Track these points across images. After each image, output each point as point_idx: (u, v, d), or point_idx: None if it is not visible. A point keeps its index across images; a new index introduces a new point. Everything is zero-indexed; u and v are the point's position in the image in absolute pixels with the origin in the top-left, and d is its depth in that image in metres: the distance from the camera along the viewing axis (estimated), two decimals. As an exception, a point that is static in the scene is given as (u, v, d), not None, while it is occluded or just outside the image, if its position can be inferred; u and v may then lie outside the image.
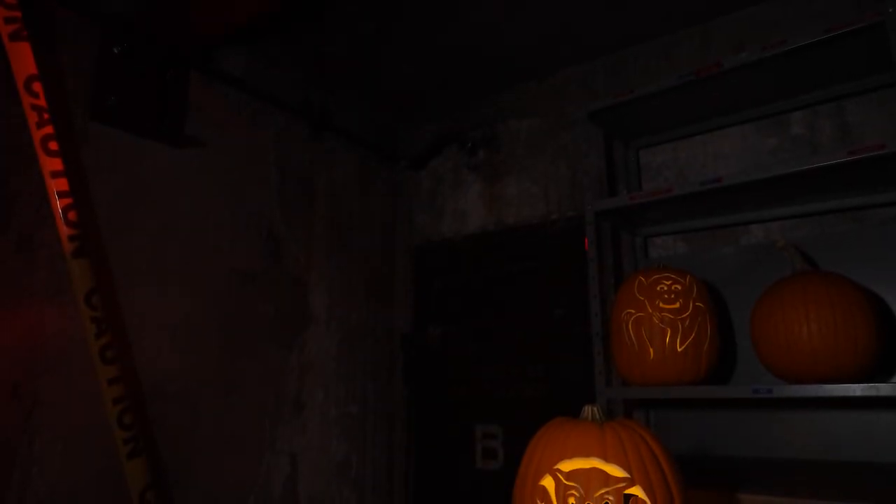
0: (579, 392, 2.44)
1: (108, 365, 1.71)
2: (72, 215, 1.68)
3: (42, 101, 1.65)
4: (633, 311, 1.84)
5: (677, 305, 1.80)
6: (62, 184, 1.67)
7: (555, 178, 2.72)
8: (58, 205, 1.66)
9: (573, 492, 1.03)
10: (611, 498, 1.02)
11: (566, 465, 1.07)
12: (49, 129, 1.65)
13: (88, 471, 1.74)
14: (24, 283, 1.68)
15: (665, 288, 1.83)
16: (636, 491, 1.03)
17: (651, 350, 1.79)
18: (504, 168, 2.91)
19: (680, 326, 1.77)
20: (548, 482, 1.07)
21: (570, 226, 2.64)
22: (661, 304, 1.81)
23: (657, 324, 1.79)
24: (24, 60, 1.63)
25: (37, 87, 1.65)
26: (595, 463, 1.05)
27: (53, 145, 1.66)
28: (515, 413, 2.63)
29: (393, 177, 3.22)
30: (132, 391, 1.81)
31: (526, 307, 2.70)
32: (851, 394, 1.49)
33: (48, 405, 1.69)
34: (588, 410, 1.19)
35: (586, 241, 2.08)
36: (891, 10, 1.57)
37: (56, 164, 1.66)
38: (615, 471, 1.04)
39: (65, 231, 1.67)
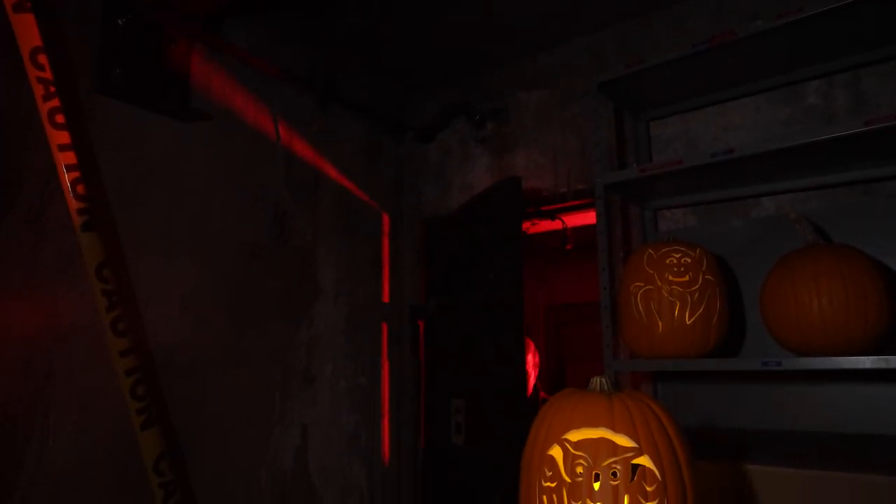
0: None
1: (120, 337, 1.72)
2: (80, 189, 1.68)
3: (48, 74, 1.64)
4: (641, 283, 1.83)
5: (687, 278, 1.79)
6: (70, 157, 1.67)
7: (564, 151, 2.70)
8: (66, 178, 1.66)
9: (581, 461, 1.04)
10: (619, 467, 1.02)
11: (574, 435, 1.07)
12: (55, 102, 1.65)
13: (102, 440, 1.77)
14: (35, 257, 1.69)
15: (674, 261, 1.82)
16: (644, 461, 1.03)
17: (660, 323, 1.79)
18: (512, 140, 2.88)
19: (689, 299, 1.76)
20: (556, 451, 1.08)
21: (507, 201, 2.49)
22: (670, 277, 1.80)
23: (666, 297, 1.78)
24: (28, 32, 1.62)
25: (42, 59, 1.63)
26: (603, 433, 1.05)
27: (60, 118, 1.65)
28: (478, 388, 2.56)
29: (400, 150, 3.20)
30: (143, 363, 1.83)
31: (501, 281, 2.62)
32: (861, 366, 1.49)
33: (62, 376, 1.71)
34: (596, 381, 1.19)
35: (595, 214, 2.06)
36: (912, -25, 1.53)
37: (63, 137, 1.66)
38: (623, 441, 1.04)
39: (74, 205, 1.67)
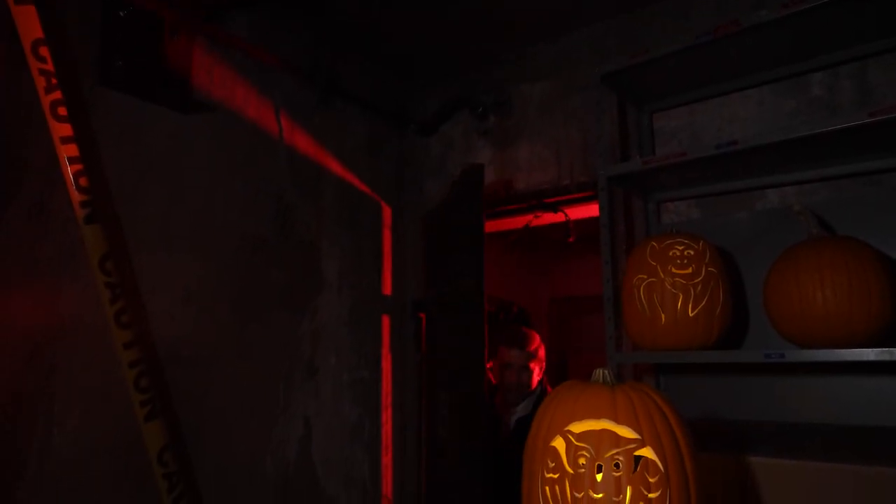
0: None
1: (124, 329, 1.73)
2: (83, 181, 1.68)
3: (49, 66, 1.64)
4: (644, 276, 1.83)
5: (690, 270, 1.78)
6: (72, 150, 1.67)
7: (566, 143, 2.69)
8: (69, 171, 1.66)
9: (584, 452, 1.04)
10: (621, 459, 1.02)
11: (577, 427, 1.07)
12: (57, 95, 1.64)
13: (106, 432, 1.78)
14: (37, 252, 1.69)
15: (678, 253, 1.81)
16: (646, 452, 1.03)
17: (662, 315, 1.78)
18: (515, 133, 2.87)
19: (692, 291, 1.76)
20: (559, 443, 1.08)
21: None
22: (673, 270, 1.79)
23: (669, 289, 1.77)
24: (30, 24, 1.62)
25: (43, 51, 1.63)
26: (606, 424, 1.05)
27: (62, 111, 1.65)
28: (457, 381, 2.58)
29: (402, 143, 3.19)
30: (147, 356, 1.83)
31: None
32: (865, 358, 1.49)
33: (65, 370, 1.72)
34: (599, 373, 1.19)
35: (598, 206, 2.06)
36: (919, -36, 1.51)
37: (66, 129, 1.66)
38: (626, 432, 1.04)
39: (77, 197, 1.67)
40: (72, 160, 1.66)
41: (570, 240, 2.97)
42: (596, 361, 1.44)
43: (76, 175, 1.67)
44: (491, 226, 3.29)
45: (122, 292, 1.74)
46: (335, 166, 2.73)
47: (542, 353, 2.76)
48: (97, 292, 1.71)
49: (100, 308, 1.72)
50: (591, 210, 2.88)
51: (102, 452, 1.77)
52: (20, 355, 1.64)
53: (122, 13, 1.89)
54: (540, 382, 2.75)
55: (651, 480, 1.01)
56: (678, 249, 1.82)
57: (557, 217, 2.96)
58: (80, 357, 1.75)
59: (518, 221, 3.13)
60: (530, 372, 2.67)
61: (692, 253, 1.81)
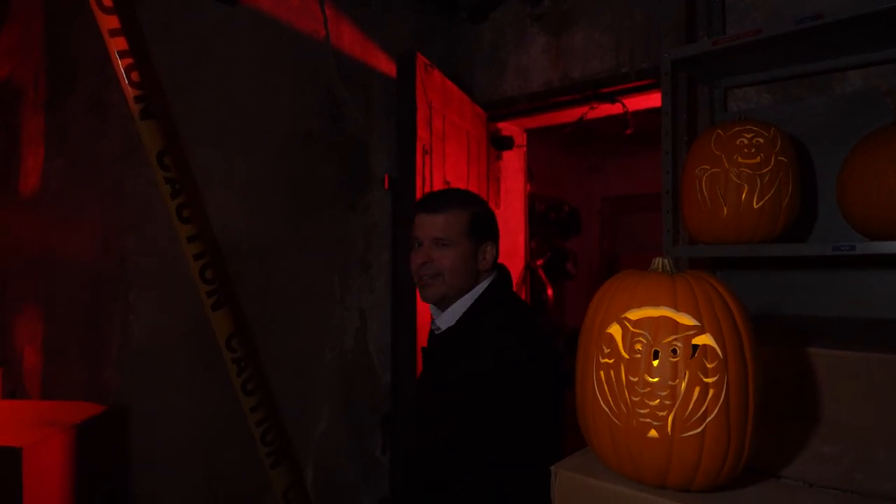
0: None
1: (186, 224, 1.78)
2: (135, 76, 1.68)
3: (91, -47, 1.59)
4: (707, 166, 1.74)
5: (758, 160, 1.68)
6: (121, 42, 1.65)
7: (628, 26, 2.50)
8: (120, 65, 1.66)
9: (640, 339, 1.04)
10: (679, 345, 1.02)
11: (634, 314, 1.06)
12: (102, -16, 1.61)
13: (178, 319, 1.89)
14: (99, 144, 1.73)
15: (745, 141, 1.70)
16: (706, 339, 1.02)
17: (725, 207, 1.71)
18: (572, 17, 2.69)
19: (758, 182, 1.67)
20: (615, 330, 1.08)
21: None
22: (739, 159, 1.69)
23: (734, 179, 1.69)
24: None
25: (84, -63, 1.58)
26: (665, 312, 1.04)
27: (108, 1, 1.62)
28: None
29: (451, 31, 3.05)
30: (210, 249, 1.90)
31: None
32: (945, 249, 1.40)
33: (138, 260, 1.80)
34: (658, 262, 1.16)
35: (661, 94, 1.94)
36: None
37: (113, 21, 1.63)
38: (685, 319, 1.03)
39: (130, 92, 1.68)
40: (122, 54, 1.65)
41: (628, 132, 2.84)
42: (649, 260, 1.38)
43: (128, 69, 1.66)
44: (542, 119, 3.19)
45: (182, 188, 1.78)
46: (382, 59, 2.64)
47: (478, 222, 1.48)
48: (159, 187, 1.75)
49: (162, 202, 1.77)
50: (650, 101, 2.72)
51: (176, 338, 1.89)
52: (94, 247, 1.73)
53: None
54: (493, 280, 1.49)
55: (709, 366, 1.01)
56: (746, 137, 1.71)
57: (614, 109, 2.81)
58: (148, 249, 1.82)
59: (572, 114, 3.00)
60: (452, 254, 1.43)
61: (761, 141, 1.70)
